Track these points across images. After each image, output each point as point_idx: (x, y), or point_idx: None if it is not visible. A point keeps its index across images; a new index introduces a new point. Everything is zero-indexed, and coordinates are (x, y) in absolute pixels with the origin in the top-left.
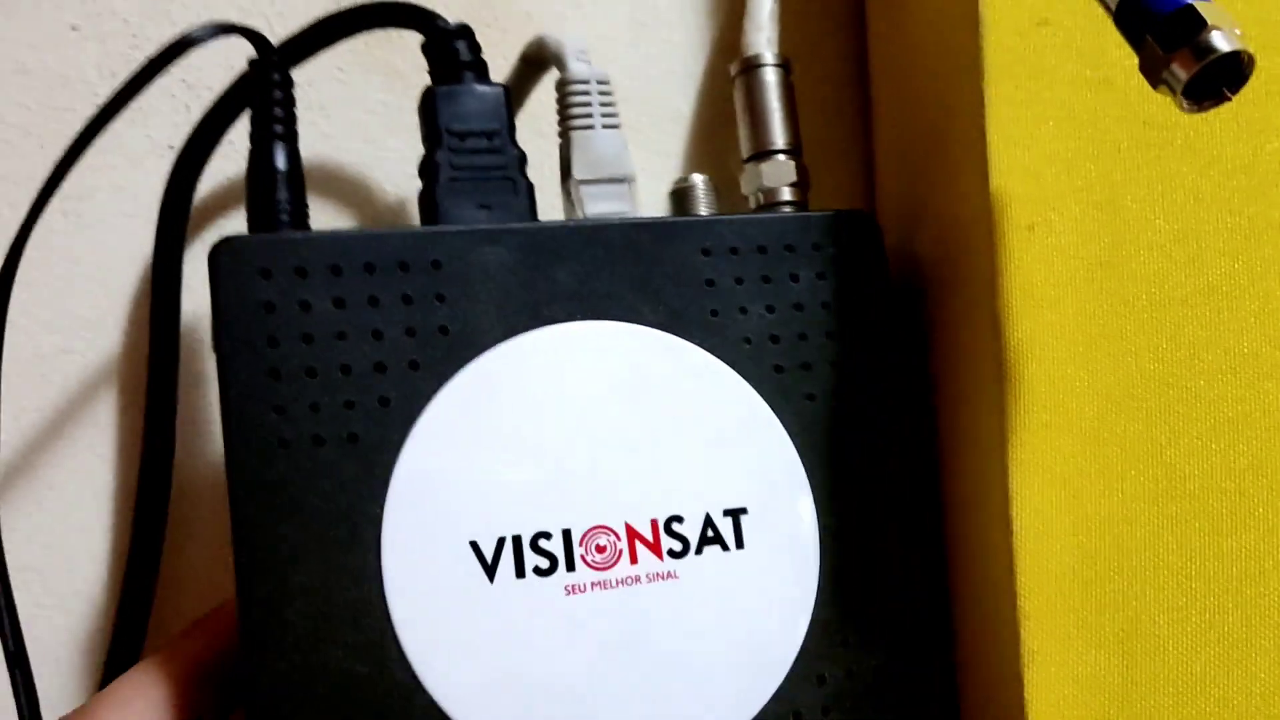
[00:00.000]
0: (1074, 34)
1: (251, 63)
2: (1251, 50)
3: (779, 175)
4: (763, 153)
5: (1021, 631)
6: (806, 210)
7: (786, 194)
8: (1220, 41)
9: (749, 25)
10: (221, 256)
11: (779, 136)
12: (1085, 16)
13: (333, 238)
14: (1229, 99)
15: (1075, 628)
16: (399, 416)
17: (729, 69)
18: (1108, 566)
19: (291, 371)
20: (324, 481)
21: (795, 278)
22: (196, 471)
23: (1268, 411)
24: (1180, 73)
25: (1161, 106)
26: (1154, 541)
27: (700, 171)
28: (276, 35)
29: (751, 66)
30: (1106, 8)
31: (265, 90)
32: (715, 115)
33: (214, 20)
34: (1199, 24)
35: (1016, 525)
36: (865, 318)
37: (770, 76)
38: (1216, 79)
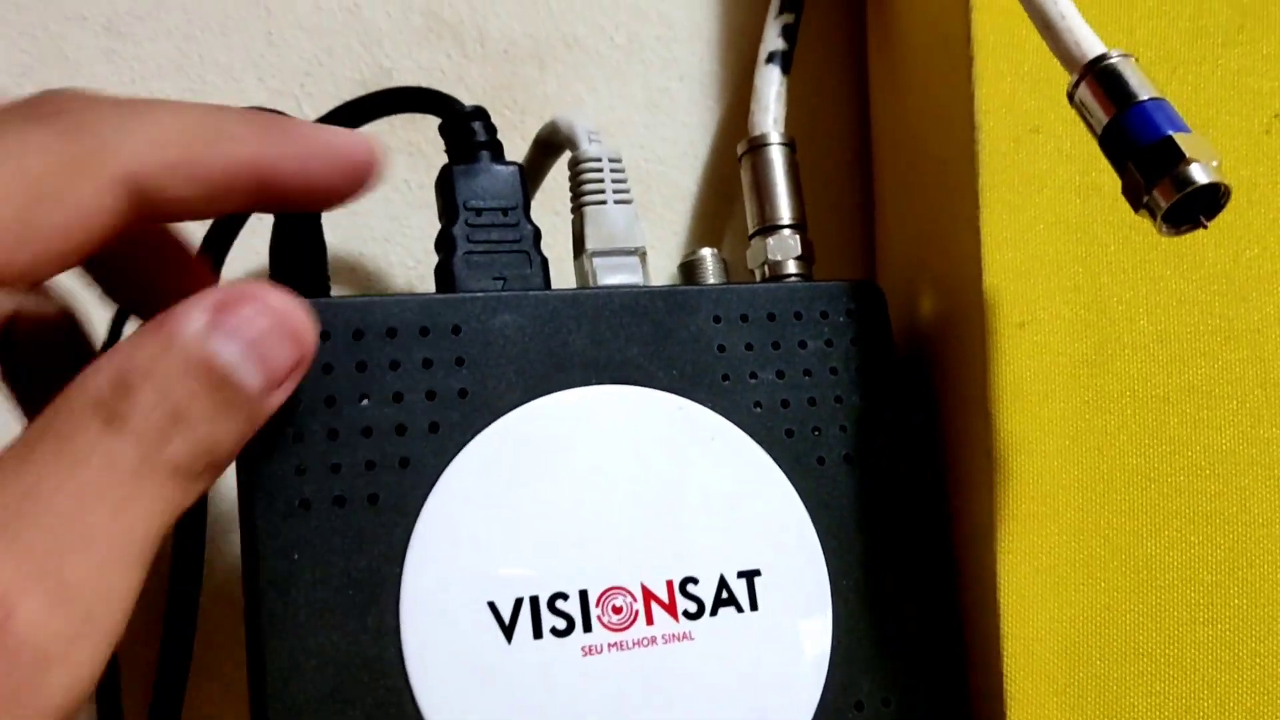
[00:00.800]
0: (1064, 141)
1: None
2: (1228, 182)
3: (784, 249)
4: (769, 227)
5: (1008, 713)
6: (811, 282)
7: (792, 267)
8: (1198, 174)
9: (756, 106)
10: None
11: (784, 212)
12: (1075, 125)
13: (354, 303)
14: (1205, 226)
15: (1059, 711)
16: (419, 478)
17: (736, 149)
18: (1090, 653)
19: (314, 433)
20: (344, 542)
21: (804, 344)
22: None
23: (1244, 507)
24: (1160, 200)
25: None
26: (1134, 630)
27: (705, 244)
28: (305, 115)
29: (758, 145)
30: (1093, 131)
31: None
32: (721, 194)
33: (250, 105)
34: (1178, 156)
35: (1004, 610)
36: (872, 383)
37: (776, 155)
38: (1194, 207)
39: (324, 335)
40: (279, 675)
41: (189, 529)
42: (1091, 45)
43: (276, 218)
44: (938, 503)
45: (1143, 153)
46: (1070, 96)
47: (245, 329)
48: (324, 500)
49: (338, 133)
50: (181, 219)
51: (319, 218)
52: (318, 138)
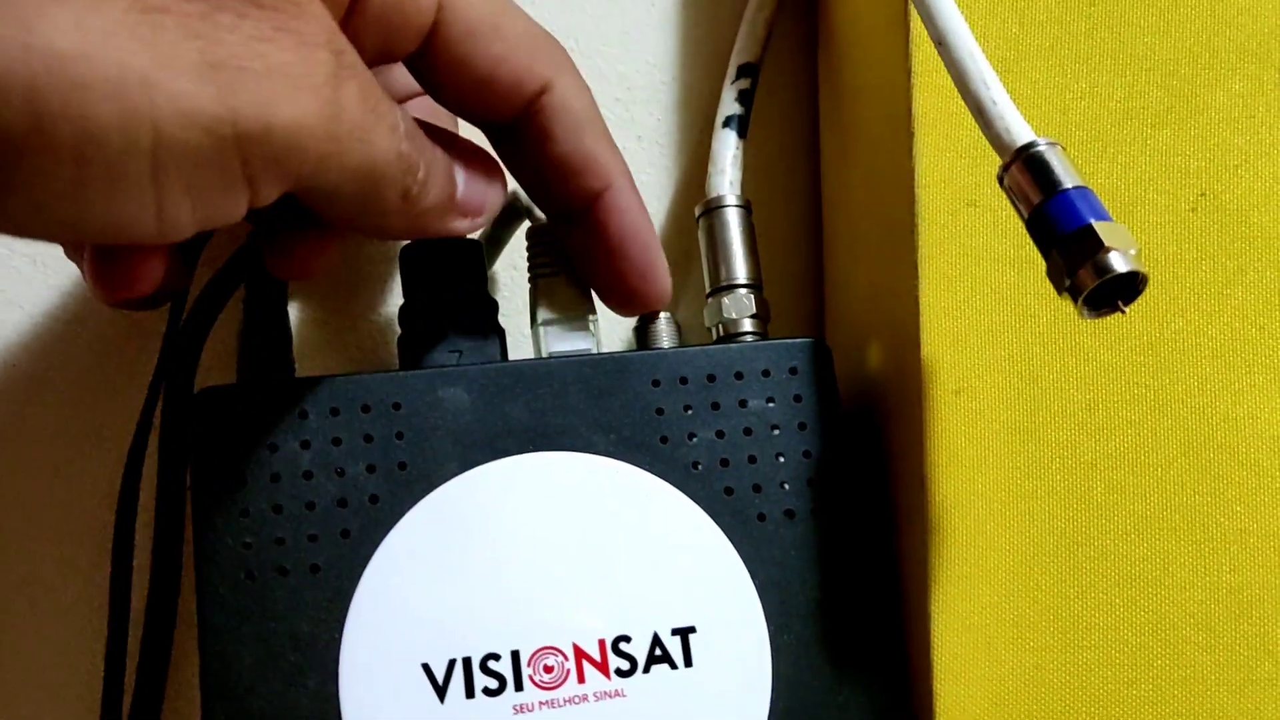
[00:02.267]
0: (999, 215)
1: (249, 235)
2: (1145, 270)
3: (740, 308)
4: (725, 286)
5: None
6: (755, 342)
7: (747, 325)
8: (1117, 262)
9: (713, 169)
10: (200, 405)
11: (740, 271)
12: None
13: (304, 384)
14: (1124, 311)
15: None
16: (359, 547)
17: (693, 210)
18: (1019, 711)
19: (259, 509)
20: (286, 609)
21: (744, 403)
22: None
23: (1167, 571)
24: (1081, 285)
25: None
26: (1062, 689)
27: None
28: None
29: (715, 207)
30: (1021, 215)
31: (255, 263)
32: (679, 253)
33: None
34: (1098, 245)
35: (936, 668)
36: (815, 439)
37: (732, 216)
38: (1113, 292)
39: (270, 417)
40: None
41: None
42: (1021, 132)
43: (246, 305)
44: (883, 557)
45: (1065, 240)
46: (1000, 180)
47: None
48: (268, 570)
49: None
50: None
51: (284, 306)
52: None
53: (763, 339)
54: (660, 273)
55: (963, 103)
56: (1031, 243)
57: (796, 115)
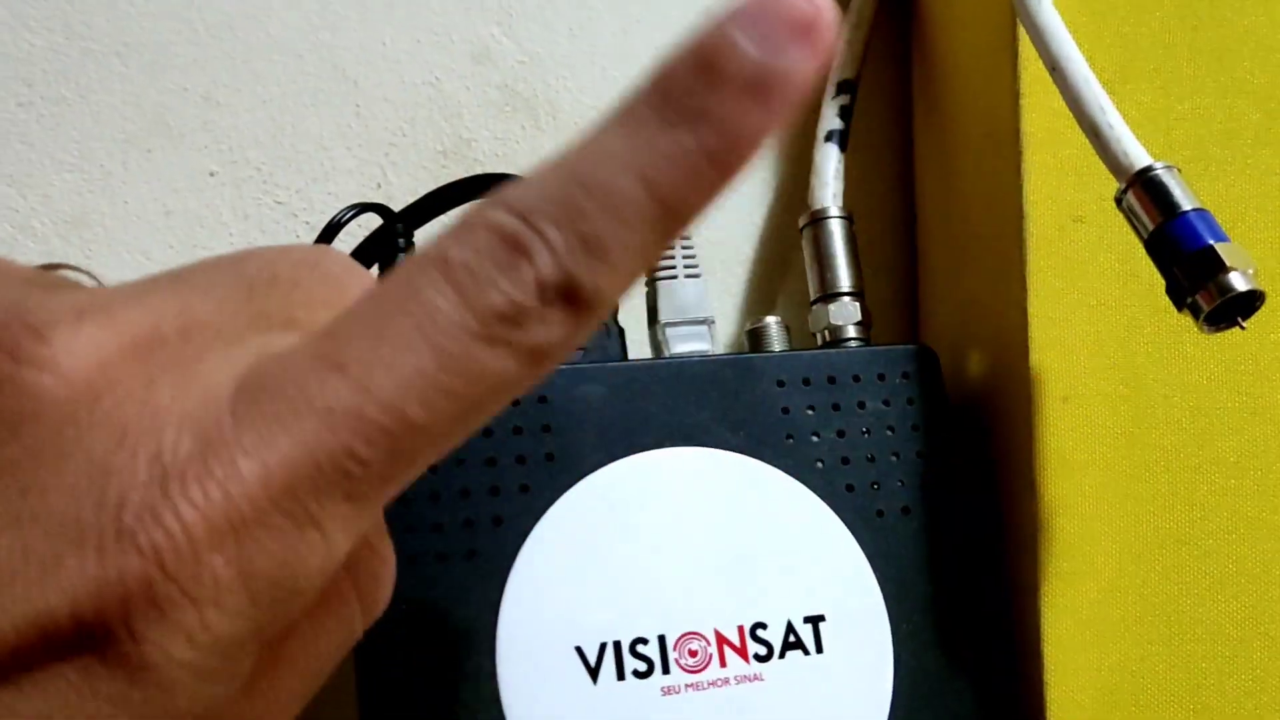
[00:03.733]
0: (1105, 231)
1: (379, 228)
2: (1263, 289)
3: (845, 315)
4: (830, 295)
5: None
6: (870, 345)
7: (851, 331)
8: (1238, 282)
9: (816, 182)
10: None
11: (844, 280)
12: (1115, 216)
13: None
14: (1242, 327)
15: None
16: (512, 534)
17: (797, 220)
18: (1126, 700)
19: (418, 496)
20: (446, 594)
21: (862, 405)
22: None
23: (1266, 569)
24: (1202, 304)
25: None
26: (1166, 679)
27: (762, 308)
28: (389, 182)
29: (819, 218)
30: (1139, 234)
31: (390, 250)
32: (777, 261)
33: (351, 202)
34: (1219, 265)
35: (1047, 660)
36: (927, 440)
37: (836, 227)
38: (1232, 309)
39: None
40: (384, 717)
41: None
42: (1138, 156)
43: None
44: (992, 551)
45: (1187, 260)
46: (1118, 201)
47: None
48: (428, 556)
49: None
50: None
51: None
52: None
53: (866, 345)
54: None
55: (1068, 122)
56: (1136, 257)
57: (890, 130)
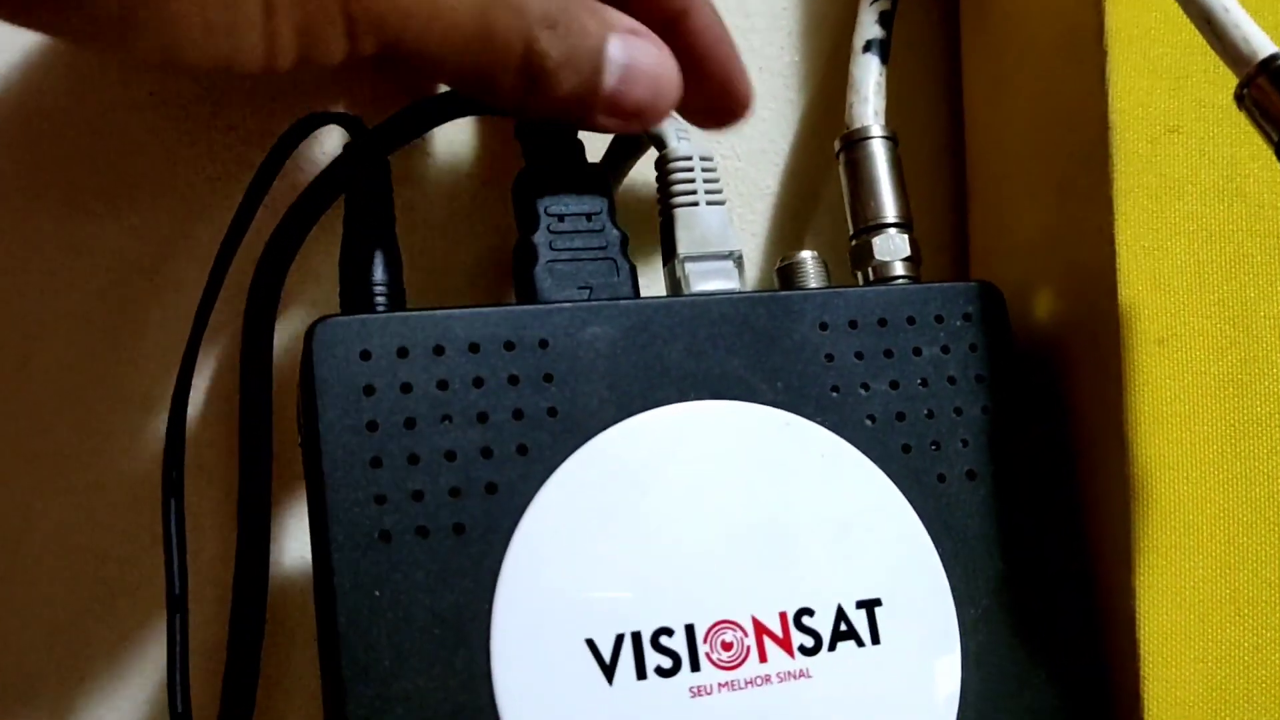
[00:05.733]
0: (1206, 142)
1: (346, 146)
2: None
3: (891, 249)
4: (873, 226)
5: None
6: (923, 284)
7: (899, 269)
8: None
9: (855, 98)
10: (317, 337)
11: (890, 210)
12: (1217, 124)
13: (434, 316)
14: None
15: None
16: (508, 505)
17: (829, 146)
18: (1237, 695)
19: (393, 458)
20: (429, 577)
21: (918, 351)
22: (296, 567)
23: None
24: None
25: None
26: None
27: (789, 248)
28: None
29: (858, 139)
30: (1266, 135)
31: (359, 173)
32: (804, 193)
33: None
34: None
35: (1144, 648)
36: (994, 393)
37: (878, 149)
38: None
39: (401, 351)
40: None
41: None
42: (1262, 43)
43: (347, 226)
44: (1073, 523)
45: None
46: (1239, 98)
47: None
48: (406, 531)
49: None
50: None
51: (393, 223)
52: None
53: (915, 283)
54: (745, 81)
55: (1160, 17)
56: (1243, 173)
57: (933, 39)
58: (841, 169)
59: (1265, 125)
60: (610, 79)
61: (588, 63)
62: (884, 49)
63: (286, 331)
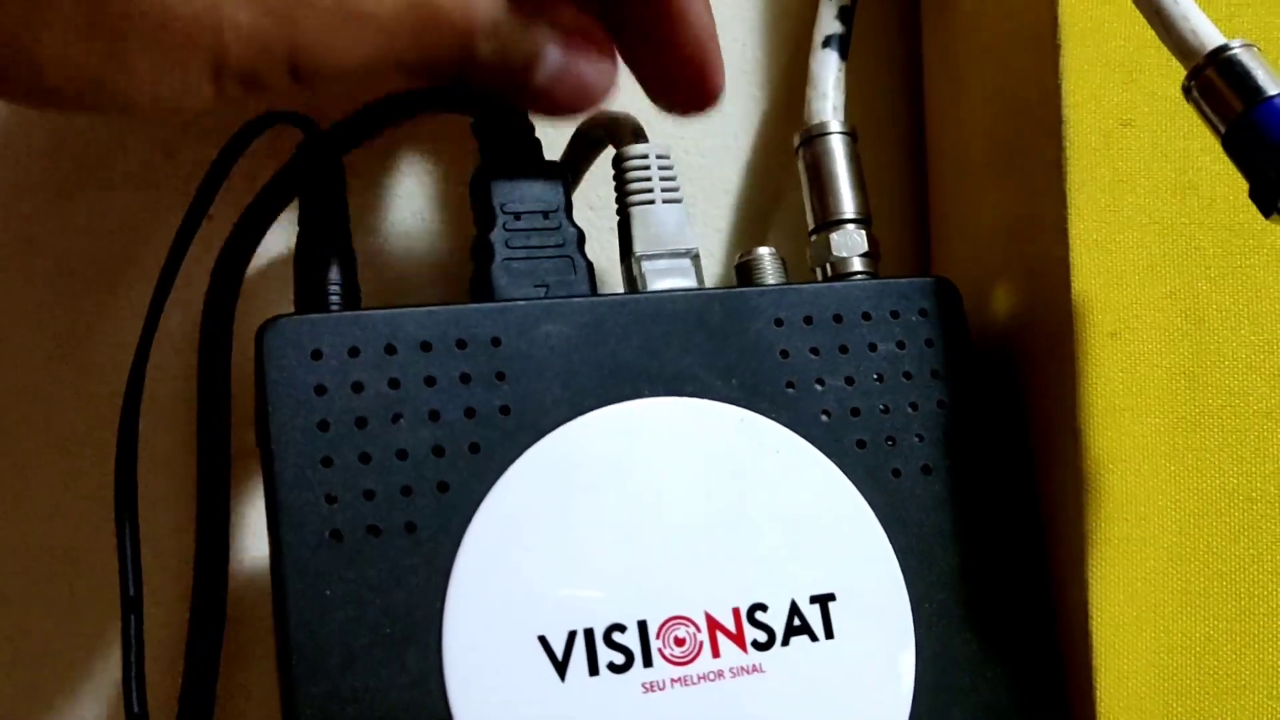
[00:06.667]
0: (1159, 136)
1: (299, 146)
2: None
3: (849, 245)
4: (831, 222)
5: None
6: (880, 280)
7: (857, 264)
8: None
9: (813, 93)
10: (268, 337)
11: (848, 205)
12: (1169, 118)
13: (385, 316)
14: None
15: None
16: (459, 503)
17: (789, 141)
18: (1189, 686)
19: (344, 457)
20: (380, 575)
21: (874, 347)
22: (256, 567)
23: None
24: None
25: (1248, 214)
26: (1236, 662)
27: (751, 244)
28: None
29: (817, 134)
30: (1214, 128)
31: (313, 173)
32: (766, 189)
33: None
34: None
35: (1096, 640)
36: (949, 387)
37: (837, 144)
38: None
39: (353, 351)
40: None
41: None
42: (1210, 35)
43: (301, 226)
44: (1026, 516)
45: (1278, 152)
46: (1187, 91)
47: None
48: (357, 530)
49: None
50: None
51: (347, 223)
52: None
53: (873, 279)
54: (717, 70)
55: (1113, 11)
56: (1195, 167)
57: (893, 35)
58: (800, 165)
59: (1213, 117)
60: (541, 76)
61: (521, 60)
62: (843, 44)
63: (246, 332)
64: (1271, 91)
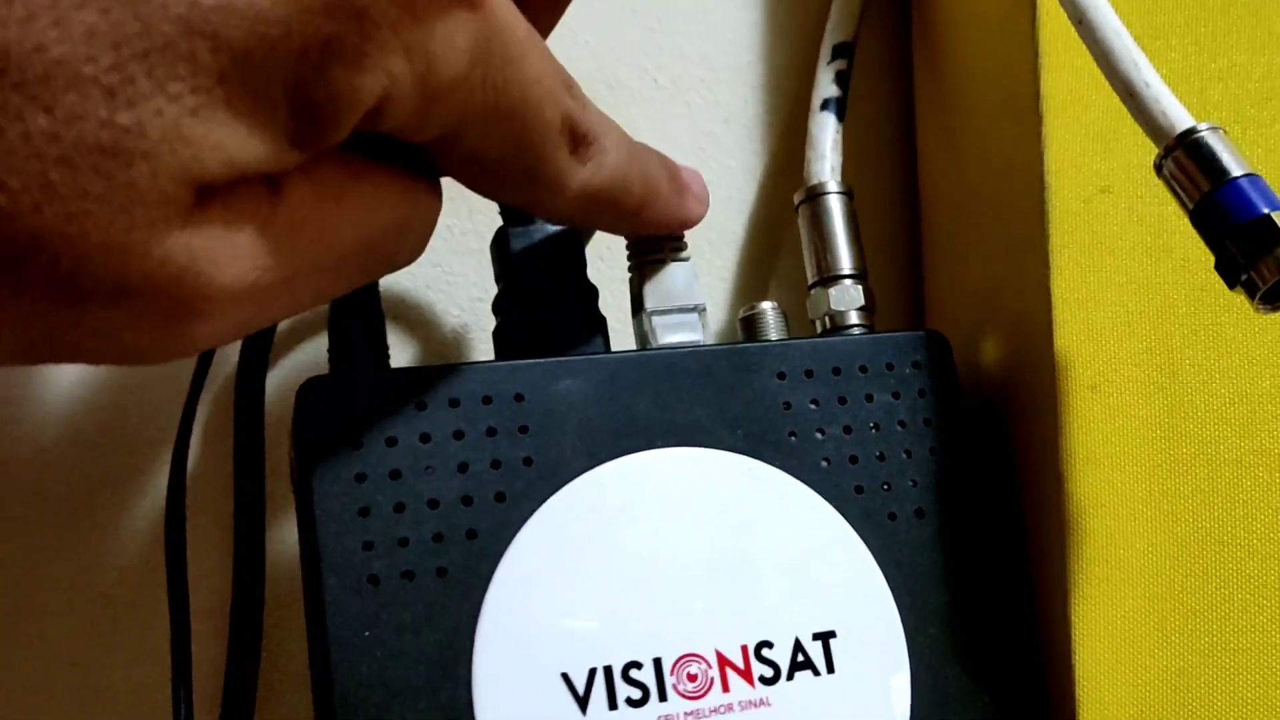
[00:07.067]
0: (1135, 202)
1: None
2: None
3: (846, 300)
4: (830, 278)
5: None
6: (874, 333)
7: (854, 318)
8: None
9: (812, 154)
10: (308, 397)
11: (845, 262)
12: (1145, 186)
13: (416, 374)
14: None
15: None
16: (487, 549)
17: (790, 198)
18: (1165, 717)
19: (380, 507)
20: (414, 617)
21: (870, 398)
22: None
23: None
24: (1258, 281)
25: (1218, 276)
26: (1209, 694)
27: (754, 293)
28: None
29: (816, 194)
30: (1183, 205)
31: None
32: (769, 239)
33: None
34: (1278, 236)
35: (1078, 673)
36: (941, 435)
37: (835, 204)
38: None
39: (386, 408)
40: None
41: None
42: (1180, 117)
43: None
44: (1013, 556)
45: (1240, 231)
46: (1158, 168)
47: None
48: (393, 575)
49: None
50: None
51: (376, 287)
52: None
53: (870, 332)
54: (674, 211)
55: (1092, 84)
56: (1169, 230)
57: (889, 98)
58: (800, 222)
59: (1182, 194)
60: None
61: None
62: (840, 107)
63: (279, 376)
64: (1235, 173)
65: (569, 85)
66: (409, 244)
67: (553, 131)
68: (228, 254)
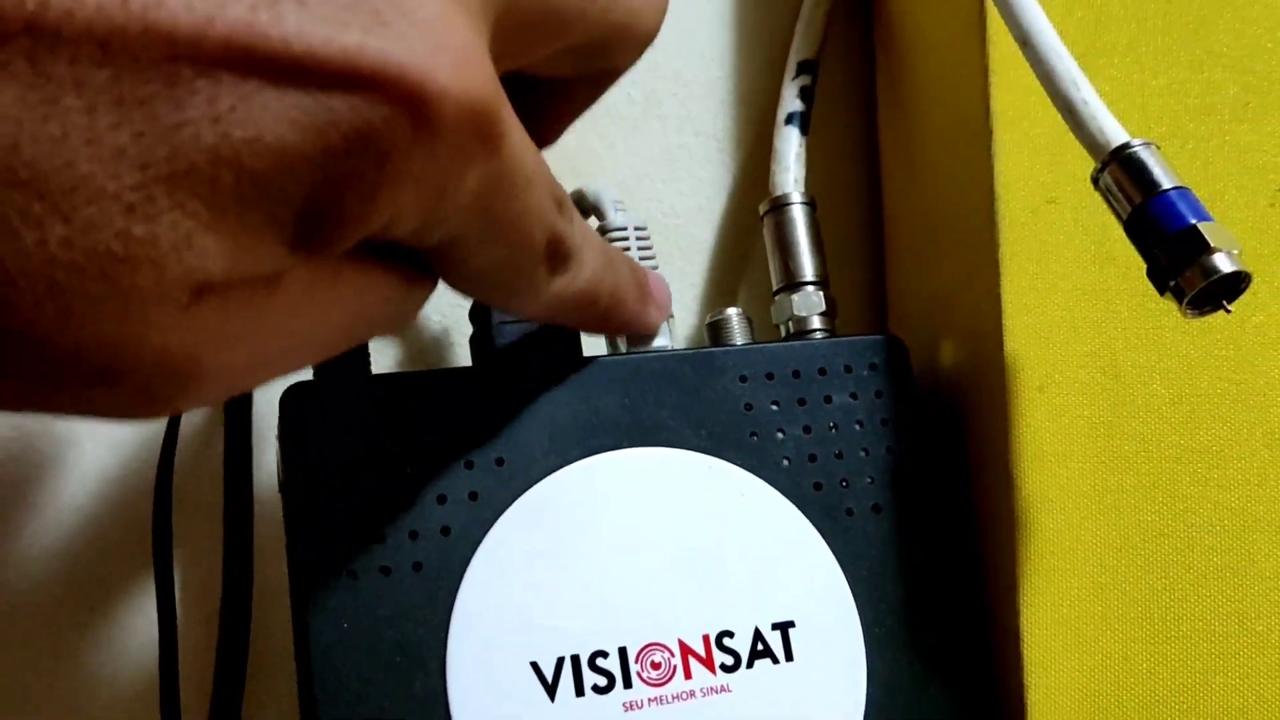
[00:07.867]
0: (1080, 212)
1: None
2: (1249, 270)
3: (809, 305)
4: (793, 284)
5: None
6: (835, 336)
7: (816, 322)
8: (1223, 263)
9: (777, 167)
10: (290, 402)
11: (808, 269)
12: (1090, 197)
13: (397, 380)
14: (1228, 310)
15: None
16: (461, 545)
17: (758, 207)
18: (1109, 701)
19: (359, 507)
20: (391, 610)
21: (829, 399)
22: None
23: (1252, 562)
24: (1185, 287)
25: None
26: (1151, 679)
27: (723, 298)
28: None
29: (780, 205)
30: (1118, 215)
31: None
32: (738, 248)
33: None
34: (1203, 246)
35: (1027, 660)
36: (897, 435)
37: (798, 214)
38: (1217, 291)
39: (366, 412)
40: None
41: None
42: (1115, 133)
43: None
44: (967, 549)
45: (1169, 241)
46: (1095, 181)
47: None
48: (371, 570)
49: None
50: None
51: None
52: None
53: (831, 335)
54: (635, 320)
55: (1039, 101)
56: (1112, 239)
57: (853, 111)
58: (765, 231)
59: (1116, 205)
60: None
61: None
62: (804, 121)
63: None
64: (1165, 185)
65: (560, 201)
66: (399, 323)
67: (536, 252)
68: (221, 340)
